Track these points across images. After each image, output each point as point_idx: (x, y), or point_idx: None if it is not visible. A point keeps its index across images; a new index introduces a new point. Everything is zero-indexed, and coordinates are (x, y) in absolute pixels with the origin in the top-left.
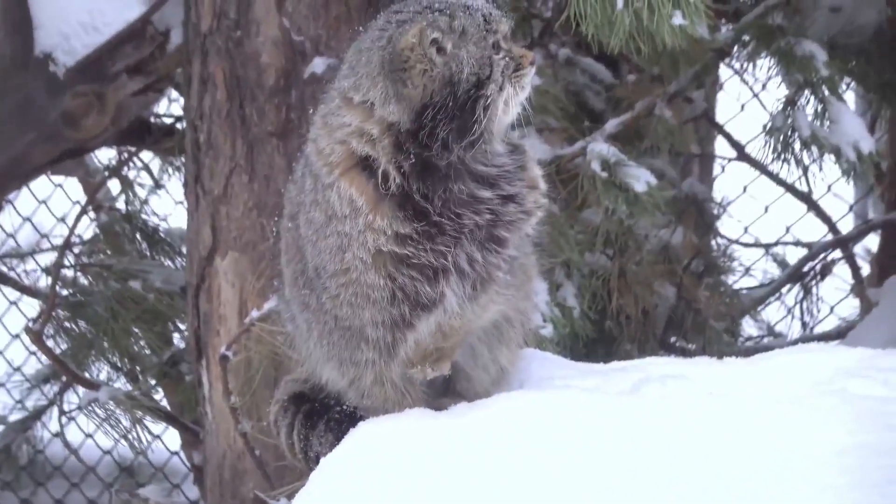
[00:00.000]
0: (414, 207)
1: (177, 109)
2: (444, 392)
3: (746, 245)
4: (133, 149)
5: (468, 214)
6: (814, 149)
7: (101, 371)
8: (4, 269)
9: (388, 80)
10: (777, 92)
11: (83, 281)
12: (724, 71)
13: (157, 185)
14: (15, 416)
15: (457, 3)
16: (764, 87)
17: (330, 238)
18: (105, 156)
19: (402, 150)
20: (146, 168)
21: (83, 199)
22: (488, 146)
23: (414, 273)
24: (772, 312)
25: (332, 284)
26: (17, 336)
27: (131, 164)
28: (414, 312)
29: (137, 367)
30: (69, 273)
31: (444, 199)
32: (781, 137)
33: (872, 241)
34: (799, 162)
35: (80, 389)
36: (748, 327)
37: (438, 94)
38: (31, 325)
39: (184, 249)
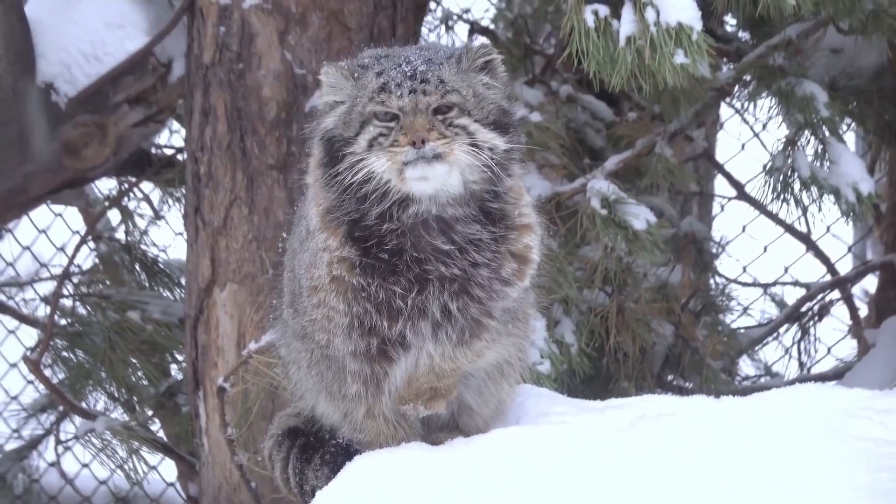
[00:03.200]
0: (365, 239)
1: (178, 141)
2: (444, 426)
3: (745, 284)
4: (133, 179)
5: (433, 263)
6: (813, 189)
7: (99, 401)
8: (3, 297)
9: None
10: (777, 132)
11: (82, 311)
12: (724, 110)
13: (157, 215)
14: (11, 446)
15: (386, 62)
16: (764, 126)
17: (306, 253)
18: (105, 186)
19: (324, 182)
20: (146, 199)
21: (83, 228)
22: (423, 209)
23: (368, 306)
24: (769, 352)
25: (308, 304)
26: (15, 365)
27: (131, 195)
28: (385, 347)
29: (134, 398)
30: (68, 303)
31: (394, 242)
32: (781, 177)
33: (871, 283)
34: (798, 202)
35: (77, 419)
36: (745, 366)
37: (320, 136)
38: (29, 354)
39: (183, 281)
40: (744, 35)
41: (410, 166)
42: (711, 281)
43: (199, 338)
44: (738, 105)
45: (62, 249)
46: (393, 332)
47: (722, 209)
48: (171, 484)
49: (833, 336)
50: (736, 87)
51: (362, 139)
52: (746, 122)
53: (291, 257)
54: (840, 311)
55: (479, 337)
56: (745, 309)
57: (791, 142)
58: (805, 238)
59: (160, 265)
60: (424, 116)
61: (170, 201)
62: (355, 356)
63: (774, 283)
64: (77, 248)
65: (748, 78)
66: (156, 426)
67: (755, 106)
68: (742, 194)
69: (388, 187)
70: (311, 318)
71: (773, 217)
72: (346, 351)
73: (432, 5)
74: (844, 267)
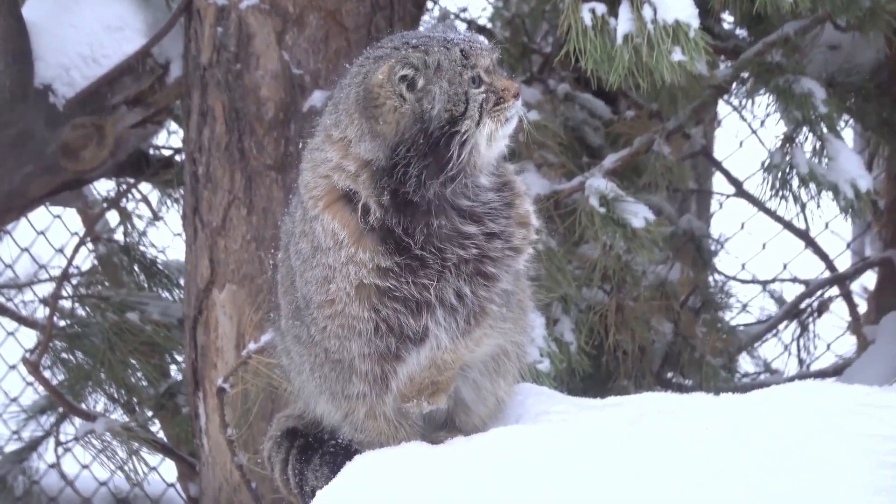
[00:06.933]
0: (396, 241)
1: (176, 141)
2: (442, 425)
3: (744, 282)
4: (132, 180)
5: (452, 249)
6: (812, 186)
7: (98, 402)
8: (2, 299)
9: (363, 118)
10: (775, 129)
11: (81, 312)
12: (722, 107)
13: (156, 216)
14: (11, 447)
15: (436, 38)
16: (762, 123)
17: (316, 269)
18: (104, 187)
19: (378, 186)
20: (145, 200)
21: (81, 230)
22: (471, 180)
23: (398, 306)
24: (769, 349)
25: (319, 316)
26: (14, 366)
27: (130, 196)
28: (401, 345)
29: (134, 399)
30: (67, 304)
31: (425, 234)
32: (779, 174)
33: (869, 279)
34: (797, 199)
35: (77, 420)
36: (745, 364)
37: (409, 131)
38: (28, 355)
39: (182, 281)
40: (741, 32)
41: (510, 122)
42: (710, 278)
43: (198, 338)
44: (735, 102)
45: (61, 251)
46: (419, 327)
47: (720, 206)
48: (172, 485)
49: (832, 333)
50: (734, 85)
51: (473, 109)
52: (744, 120)
53: (288, 275)
54: (839, 308)
55: (480, 324)
56: (745, 306)
57: (789, 138)
58: (804, 235)
59: (159, 266)
60: (500, 72)
61: (168, 202)
62: (367, 357)
63: (773, 280)
64: (76, 250)
65: (746, 75)
66: (156, 427)
67: (753, 103)
68: (740, 191)
69: (472, 158)
70: (321, 327)
71: (772, 214)
72: (358, 353)
73: (430, 4)
74: (843, 263)
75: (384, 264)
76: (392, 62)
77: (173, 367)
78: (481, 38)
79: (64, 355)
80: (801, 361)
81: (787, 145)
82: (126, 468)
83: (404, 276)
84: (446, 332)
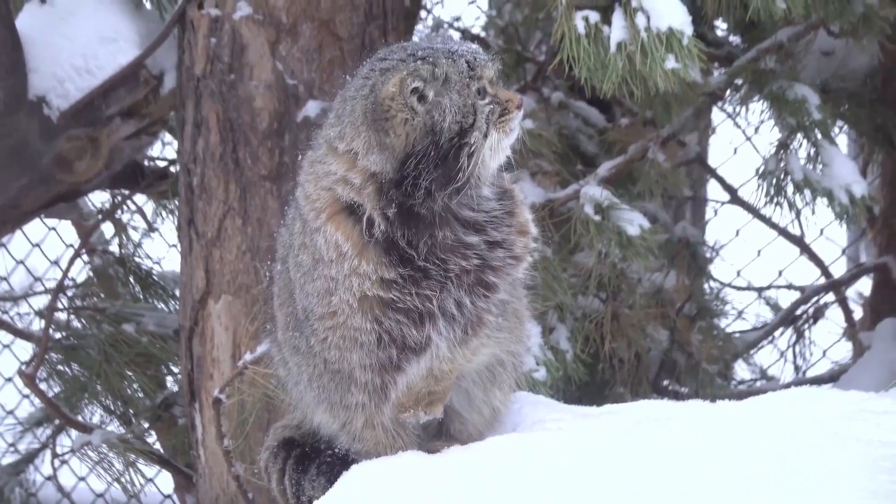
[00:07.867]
0: (399, 253)
1: (170, 153)
2: (438, 435)
3: (739, 288)
4: (126, 192)
5: (454, 259)
6: (806, 192)
7: (94, 414)
8: None
9: (371, 130)
10: (770, 135)
11: (76, 324)
12: (716, 114)
13: (151, 228)
14: (7, 460)
15: (441, 50)
16: (756, 130)
17: (317, 281)
18: (98, 199)
19: (385, 198)
20: (140, 211)
21: (76, 242)
22: (475, 191)
23: (400, 317)
24: (764, 356)
25: (319, 327)
26: (10, 379)
27: (125, 208)
28: (402, 355)
29: (130, 411)
30: (62, 316)
31: (429, 245)
32: (774, 181)
33: (865, 285)
34: (791, 205)
35: (73, 432)
36: (741, 370)
37: (420, 143)
38: (24, 368)
39: (177, 293)
40: (735, 39)
41: (513, 132)
42: (706, 285)
43: (194, 349)
44: (729, 109)
45: (56, 263)
46: (422, 337)
47: (715, 213)
48: (168, 496)
49: (828, 339)
50: (728, 92)
51: (480, 120)
52: (738, 126)
53: (285, 286)
54: (835, 314)
55: (477, 333)
56: (740, 313)
57: (783, 145)
58: (799, 241)
59: (154, 277)
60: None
61: (163, 213)
62: (367, 368)
63: (769, 287)
64: (71, 262)
65: (740, 82)
66: (152, 438)
67: (747, 110)
68: (735, 198)
69: (479, 169)
70: (321, 338)
71: (767, 221)
72: (359, 364)
73: (423, 14)
74: (838, 269)
75: (387, 276)
76: (403, 74)
77: (169, 379)
78: (478, 48)
79: (60, 367)
80: (796, 368)
81: (782, 152)
82: (123, 480)
83: (407, 287)
84: (446, 342)
